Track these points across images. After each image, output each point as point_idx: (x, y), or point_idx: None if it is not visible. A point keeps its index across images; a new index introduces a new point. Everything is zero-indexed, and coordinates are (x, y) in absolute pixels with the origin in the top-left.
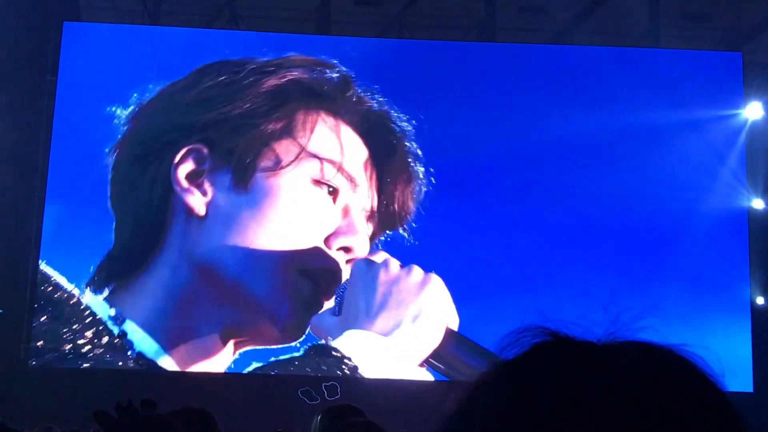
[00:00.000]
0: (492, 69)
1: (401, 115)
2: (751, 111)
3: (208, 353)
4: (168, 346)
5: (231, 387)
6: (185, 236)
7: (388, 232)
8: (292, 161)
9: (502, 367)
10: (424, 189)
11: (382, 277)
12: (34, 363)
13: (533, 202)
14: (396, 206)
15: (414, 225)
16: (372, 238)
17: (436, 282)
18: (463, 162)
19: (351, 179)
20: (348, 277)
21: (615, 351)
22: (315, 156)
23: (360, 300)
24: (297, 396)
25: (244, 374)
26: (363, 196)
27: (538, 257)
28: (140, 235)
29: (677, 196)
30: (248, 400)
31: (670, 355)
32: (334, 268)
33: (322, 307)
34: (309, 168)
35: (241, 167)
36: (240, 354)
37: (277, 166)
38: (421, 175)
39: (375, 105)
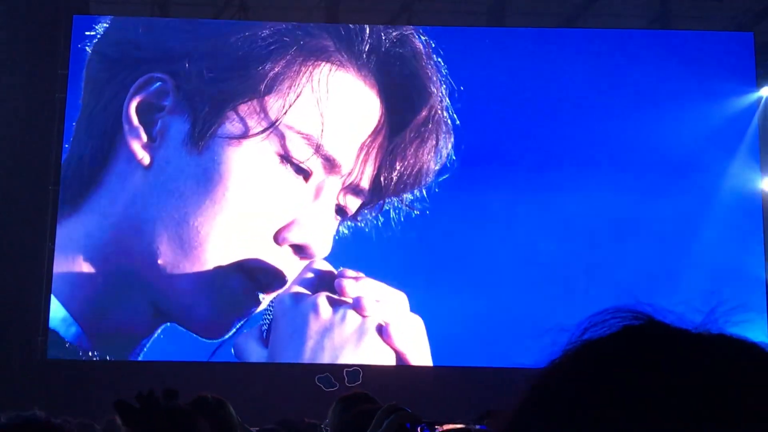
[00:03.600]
0: (502, 54)
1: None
2: (765, 92)
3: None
4: (84, 323)
5: (251, 375)
6: (123, 181)
7: (393, 199)
8: (260, 133)
9: (588, 348)
10: (441, 159)
11: (312, 322)
12: (50, 356)
13: (547, 186)
14: (406, 170)
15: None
16: (369, 206)
17: (381, 329)
18: (475, 148)
19: (330, 160)
20: (279, 300)
21: (710, 341)
22: (290, 129)
23: (288, 341)
24: (315, 383)
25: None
26: (349, 176)
27: (556, 247)
28: (88, 156)
29: (689, 179)
30: (267, 387)
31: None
32: (278, 270)
33: (251, 309)
34: (279, 143)
35: (199, 122)
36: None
37: (243, 134)
38: (442, 143)
39: (400, 53)
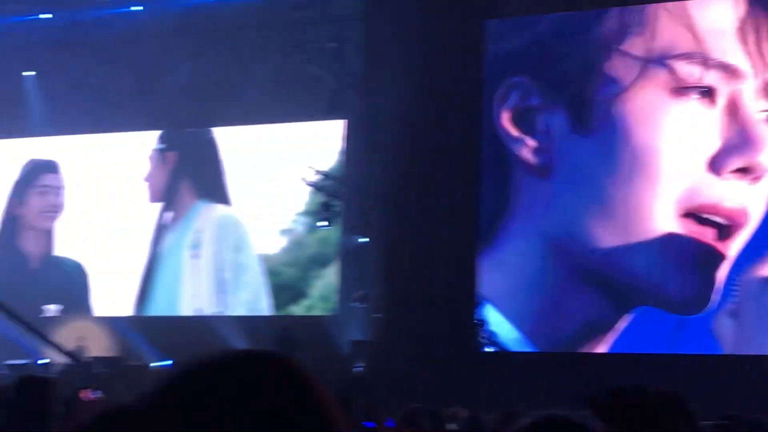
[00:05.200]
0: None
1: None
2: None
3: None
4: (527, 331)
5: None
6: (531, 199)
7: None
8: (638, 78)
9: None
10: None
11: None
12: (486, 349)
13: None
14: None
15: None
16: None
17: None
18: None
19: (727, 67)
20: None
21: None
22: (664, 57)
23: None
24: None
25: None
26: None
27: None
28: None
29: None
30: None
31: None
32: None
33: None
34: (662, 76)
35: (575, 100)
36: None
37: (619, 88)
38: None
39: None
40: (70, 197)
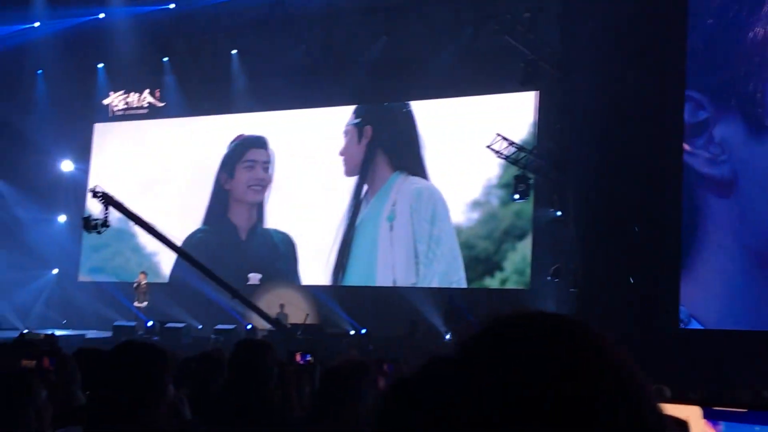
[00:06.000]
0: None
1: None
2: None
3: None
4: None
5: None
6: (718, 208)
7: None
8: None
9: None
10: None
11: None
12: (684, 327)
13: None
14: None
15: None
16: None
17: None
18: None
19: None
20: None
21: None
22: None
23: None
24: None
25: None
26: None
27: None
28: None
29: None
30: None
31: None
32: None
33: None
34: None
35: (752, 107)
36: None
37: None
38: None
39: None
40: (275, 171)
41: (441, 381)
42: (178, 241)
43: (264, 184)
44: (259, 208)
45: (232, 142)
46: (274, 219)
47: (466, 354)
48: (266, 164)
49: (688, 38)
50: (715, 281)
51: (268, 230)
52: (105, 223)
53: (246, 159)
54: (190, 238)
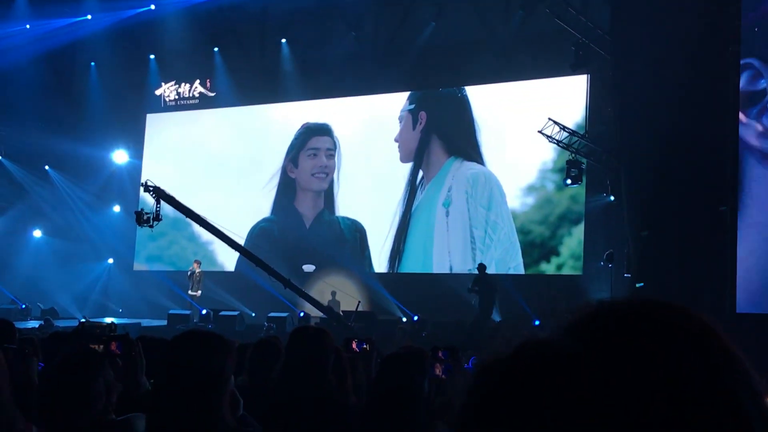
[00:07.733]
0: None
1: None
2: None
3: None
4: None
5: None
6: (758, 182)
7: None
8: None
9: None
10: None
11: None
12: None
13: None
14: None
15: None
16: None
17: None
18: None
19: None
20: None
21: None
22: None
23: None
24: None
25: None
26: None
27: None
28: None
29: None
30: None
31: None
32: None
33: None
34: None
35: None
36: None
37: None
38: None
39: None
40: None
41: (552, 368)
42: (239, 233)
43: (327, 171)
44: (327, 195)
45: (297, 131)
46: (340, 207)
47: (590, 343)
48: (330, 152)
49: (743, 6)
50: (747, 261)
51: (336, 218)
52: (157, 217)
53: (309, 147)
54: (253, 229)
